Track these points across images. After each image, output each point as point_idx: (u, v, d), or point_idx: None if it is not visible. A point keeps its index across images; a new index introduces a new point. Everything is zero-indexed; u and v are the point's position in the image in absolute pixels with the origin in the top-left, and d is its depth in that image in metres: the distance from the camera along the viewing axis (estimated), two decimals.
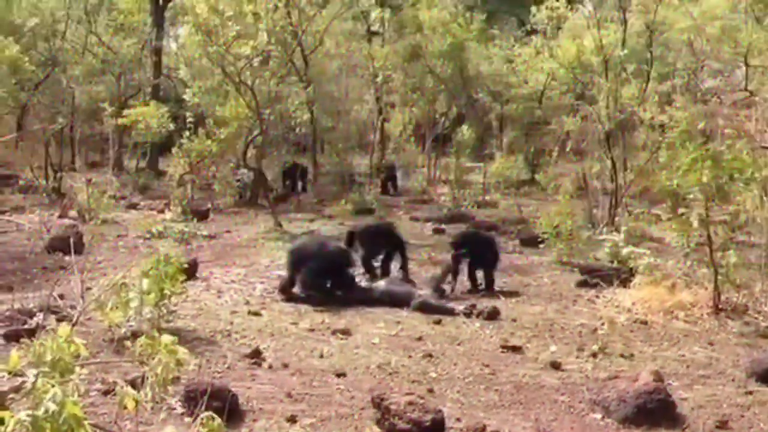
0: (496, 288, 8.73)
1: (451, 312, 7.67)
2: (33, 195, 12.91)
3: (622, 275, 8.63)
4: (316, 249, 8.23)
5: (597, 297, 8.41)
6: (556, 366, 6.17)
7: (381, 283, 8.34)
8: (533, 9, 17.84)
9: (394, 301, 7.87)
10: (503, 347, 6.61)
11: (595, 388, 5.52)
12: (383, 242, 9.25)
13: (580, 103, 14.72)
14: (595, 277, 8.82)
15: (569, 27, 17.05)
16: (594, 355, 6.48)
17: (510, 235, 11.80)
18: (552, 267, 9.91)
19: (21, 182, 13.76)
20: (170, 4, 18.53)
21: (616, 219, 11.97)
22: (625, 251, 9.31)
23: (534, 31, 18.05)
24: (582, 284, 8.88)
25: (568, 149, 15.43)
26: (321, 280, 8.00)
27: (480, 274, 8.80)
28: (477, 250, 8.73)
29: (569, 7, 17.17)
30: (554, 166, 15.77)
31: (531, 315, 7.74)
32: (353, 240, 9.10)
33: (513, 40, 18.62)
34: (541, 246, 10.33)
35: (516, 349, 6.58)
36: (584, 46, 14.50)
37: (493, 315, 7.51)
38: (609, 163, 12.50)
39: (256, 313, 7.31)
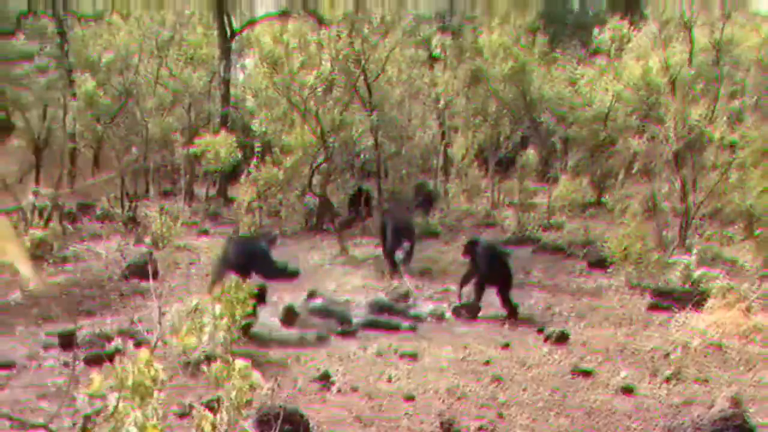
0: (562, 312, 8.62)
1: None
2: (110, 223, 13.32)
3: (694, 298, 8.44)
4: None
5: (669, 320, 8.24)
6: (628, 391, 6.07)
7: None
8: (595, 31, 17.72)
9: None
10: (573, 372, 6.54)
11: (670, 414, 5.42)
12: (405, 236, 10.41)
13: (646, 123, 14.49)
14: (666, 300, 8.65)
15: (633, 47, 16.85)
16: (667, 380, 6.36)
17: (577, 257, 11.66)
18: (621, 290, 9.74)
19: (98, 211, 14.22)
20: (237, 37, 19.01)
21: (687, 241, 11.71)
22: (697, 274, 9.11)
23: (597, 52, 17.89)
24: (653, 307, 8.72)
25: (635, 170, 15.16)
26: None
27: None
28: (486, 262, 8.66)
29: (633, 27, 17.00)
30: (621, 188, 15.51)
31: (601, 339, 7.63)
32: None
33: (576, 62, 18.47)
34: (609, 270, 10.17)
35: (586, 374, 6.50)
36: (649, 66, 14.30)
37: (561, 339, 7.44)
38: (678, 183, 12.26)
39: (325, 337, 7.40)
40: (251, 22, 19.23)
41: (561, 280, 10.39)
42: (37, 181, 14.17)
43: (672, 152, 12.28)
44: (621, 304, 9.10)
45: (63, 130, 14.54)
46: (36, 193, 9.51)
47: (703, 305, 8.23)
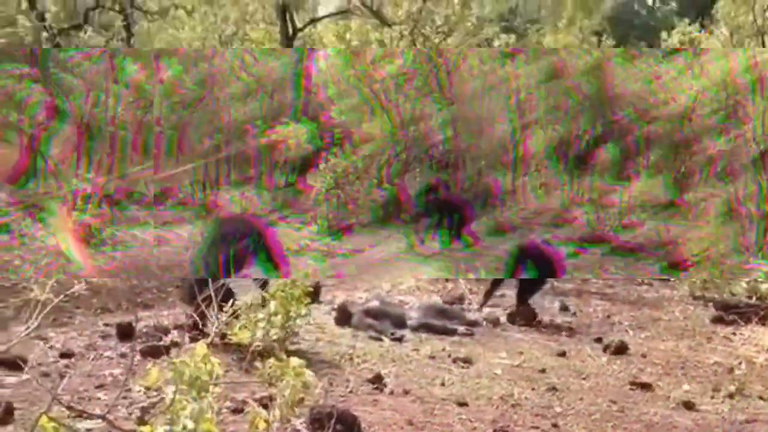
0: (622, 322, 8.42)
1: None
2: (183, 211, 13.36)
3: (761, 312, 8.16)
4: None
5: (733, 334, 7.98)
6: (689, 406, 5.88)
7: None
8: (664, 34, 17.34)
9: None
10: (632, 384, 6.36)
11: (732, 431, 5.22)
12: None
13: (730, 122, 14.07)
14: (731, 314, 8.38)
15: (706, 50, 16.41)
16: (731, 396, 6.14)
17: (654, 258, 11.29)
18: (684, 301, 9.48)
19: (180, 196, 14.28)
20: (300, 34, 19.16)
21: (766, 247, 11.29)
22: (765, 287, 8.80)
23: (671, 54, 17.49)
24: (717, 320, 8.45)
25: (715, 170, 14.71)
26: None
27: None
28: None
29: (704, 31, 16.59)
30: (702, 188, 15.07)
31: (662, 351, 7.42)
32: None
33: (659, 57, 18.07)
34: (681, 276, 9.82)
35: (646, 387, 6.31)
36: (733, 64, 13.88)
37: (621, 349, 7.25)
38: (764, 185, 11.85)
39: (378, 338, 7.35)
40: (313, 21, 19.35)
41: (621, 288, 10.17)
42: (92, 168, 14.35)
43: (757, 153, 11.91)
44: (683, 316, 8.87)
45: (152, 115, 14.77)
46: (90, 178, 9.61)
47: None
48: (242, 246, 7.00)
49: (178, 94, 14.19)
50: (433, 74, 13.39)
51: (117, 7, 16.50)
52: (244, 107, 16.84)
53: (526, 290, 8.52)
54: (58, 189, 11.70)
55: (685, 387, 6.37)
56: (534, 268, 8.30)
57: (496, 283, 8.79)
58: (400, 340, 7.42)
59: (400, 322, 7.96)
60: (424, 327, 7.86)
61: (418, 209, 13.78)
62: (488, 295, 8.75)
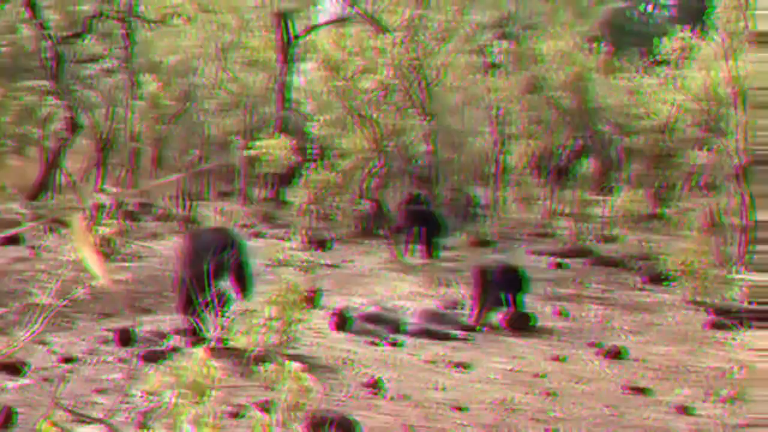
0: (618, 327, 8.46)
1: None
2: (168, 223, 13.55)
3: (756, 316, 8.19)
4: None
5: (729, 339, 8.02)
6: (685, 411, 5.91)
7: None
8: (658, 40, 17.36)
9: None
10: (629, 388, 6.39)
11: None
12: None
13: (710, 135, 14.16)
14: (726, 318, 8.42)
15: (698, 58, 16.48)
16: (727, 400, 6.17)
17: (634, 271, 11.45)
18: (680, 306, 9.52)
19: (157, 210, 14.53)
20: (297, 42, 19.22)
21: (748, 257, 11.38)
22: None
23: (660, 62, 17.54)
24: (712, 325, 8.48)
25: (696, 183, 14.83)
26: None
27: None
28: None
29: (700, 36, 16.62)
30: (681, 201, 15.19)
31: (658, 355, 7.46)
32: None
33: (639, 71, 18.18)
34: (667, 285, 9.93)
35: (642, 391, 6.35)
36: (715, 77, 13.96)
37: (617, 354, 7.29)
38: (741, 198, 11.93)
39: (376, 343, 7.38)
40: (312, 28, 19.40)
41: (617, 294, 10.22)
42: (101, 180, 14.57)
43: (737, 166, 11.98)
44: (679, 321, 8.90)
45: (126, 131, 14.90)
46: (103, 191, 9.73)
47: (766, 324, 7.97)
48: (219, 260, 6.86)
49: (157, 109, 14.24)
50: (413, 88, 13.43)
51: (117, 16, 16.55)
52: (224, 121, 16.95)
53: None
54: (77, 202, 11.80)
55: (682, 391, 6.40)
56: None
57: (486, 297, 8.72)
58: (397, 345, 7.46)
59: (397, 327, 8.01)
60: (421, 332, 7.89)
61: (398, 223, 13.92)
62: (480, 309, 8.64)
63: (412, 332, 7.89)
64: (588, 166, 15.79)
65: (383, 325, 8.07)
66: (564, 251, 12.87)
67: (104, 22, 16.90)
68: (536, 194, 17.94)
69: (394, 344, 7.44)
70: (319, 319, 7.98)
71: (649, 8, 31.30)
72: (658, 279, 10.34)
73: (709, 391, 6.37)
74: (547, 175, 17.66)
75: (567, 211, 16.24)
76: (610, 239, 14.02)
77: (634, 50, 20.19)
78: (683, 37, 16.54)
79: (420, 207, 12.92)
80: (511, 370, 6.81)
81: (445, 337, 7.79)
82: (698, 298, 9.56)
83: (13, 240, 10.92)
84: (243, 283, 7.31)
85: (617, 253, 12.86)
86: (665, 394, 6.33)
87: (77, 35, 16.26)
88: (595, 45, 17.68)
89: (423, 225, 12.22)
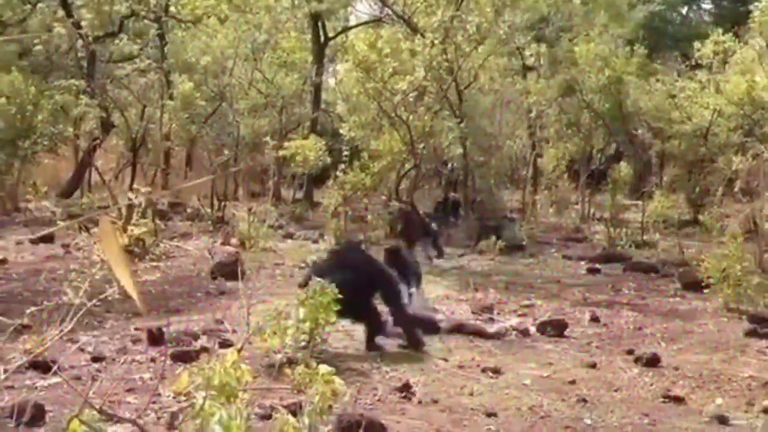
0: (654, 334, 8.29)
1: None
2: (199, 222, 13.63)
3: None
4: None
5: (767, 347, 7.82)
6: (722, 420, 5.77)
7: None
8: (697, 43, 17.11)
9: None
10: (664, 397, 6.25)
11: None
12: None
13: (749, 140, 13.91)
14: (765, 326, 8.22)
15: (737, 61, 16.21)
16: (765, 410, 6.01)
17: (671, 278, 11.26)
18: (717, 314, 9.32)
19: (188, 210, 14.62)
20: (331, 42, 19.24)
21: None
22: None
23: (699, 66, 17.28)
24: (751, 333, 8.28)
25: (735, 189, 14.55)
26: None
27: None
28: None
29: (738, 40, 16.35)
30: (720, 207, 14.92)
31: (694, 364, 7.28)
32: None
33: (676, 74, 17.94)
34: (705, 291, 9.75)
35: (678, 400, 6.20)
36: (755, 81, 13.71)
37: (652, 362, 7.14)
38: None
39: (405, 346, 7.32)
40: (345, 29, 19.42)
41: (652, 300, 10.05)
42: (133, 179, 14.70)
43: None
44: (717, 329, 8.69)
45: (159, 130, 15.01)
46: (135, 191, 9.79)
47: None
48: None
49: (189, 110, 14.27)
50: (445, 91, 13.33)
51: (151, 16, 16.70)
52: (256, 122, 16.97)
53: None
54: (109, 201, 11.93)
55: (719, 401, 6.23)
56: None
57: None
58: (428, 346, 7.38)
59: (430, 330, 7.91)
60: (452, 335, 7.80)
61: (429, 225, 13.89)
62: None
63: (443, 335, 7.79)
64: (624, 170, 15.58)
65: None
66: (599, 257, 12.72)
67: (138, 22, 17.09)
68: (571, 198, 17.77)
69: (424, 348, 7.34)
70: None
71: (689, 10, 30.90)
72: (694, 286, 10.15)
73: (746, 401, 6.21)
74: (582, 179, 17.48)
75: (602, 215, 16.06)
76: (645, 245, 13.82)
77: (672, 53, 19.95)
78: (722, 41, 16.31)
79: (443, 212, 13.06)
80: (547, 377, 6.69)
81: (476, 342, 7.69)
82: (736, 306, 9.37)
83: (46, 238, 11.06)
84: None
85: (653, 259, 12.67)
86: (702, 403, 6.17)
87: (111, 35, 16.46)
88: (632, 48, 17.47)
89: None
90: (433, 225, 13.64)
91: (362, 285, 7.01)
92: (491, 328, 8.19)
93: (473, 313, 8.81)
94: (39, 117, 14.05)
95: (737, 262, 9.43)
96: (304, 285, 6.64)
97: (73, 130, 15.72)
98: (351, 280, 6.69)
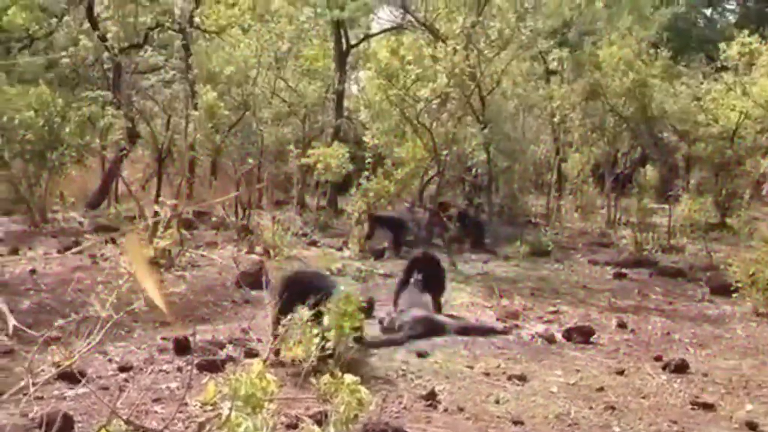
0: (682, 339, 8.20)
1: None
2: (224, 231, 13.70)
3: None
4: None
5: None
6: (753, 427, 5.69)
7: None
8: (722, 45, 16.94)
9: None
10: (693, 403, 6.18)
11: None
12: None
13: None
14: None
15: (764, 63, 16.04)
16: None
17: (698, 282, 11.14)
18: (746, 318, 9.20)
19: (213, 219, 14.70)
20: (353, 50, 19.29)
21: None
22: None
23: (724, 68, 17.11)
24: None
25: (764, 192, 14.37)
26: None
27: None
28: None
29: (763, 42, 16.17)
30: (747, 210, 14.73)
31: (724, 370, 7.20)
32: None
33: (702, 77, 17.77)
34: (734, 295, 9.62)
35: (708, 407, 6.13)
36: None
37: (681, 368, 7.06)
38: None
39: (422, 355, 7.28)
40: (368, 37, 19.45)
41: (681, 305, 9.94)
42: (159, 190, 14.81)
43: None
44: (746, 333, 8.59)
45: (184, 140, 15.11)
46: (161, 203, 9.86)
47: None
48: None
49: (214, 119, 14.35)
50: (468, 97, 13.28)
51: (176, 27, 16.86)
52: (280, 130, 17.03)
53: None
54: (136, 212, 12.05)
55: (749, 407, 6.16)
56: None
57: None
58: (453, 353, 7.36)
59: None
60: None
61: (454, 232, 13.86)
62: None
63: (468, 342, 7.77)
64: (650, 174, 15.43)
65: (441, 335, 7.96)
66: (625, 261, 12.61)
67: (163, 33, 17.25)
68: (596, 203, 17.64)
69: (449, 355, 7.32)
70: (374, 330, 7.94)
71: (714, 12, 30.62)
72: (723, 290, 10.03)
73: None
74: (607, 183, 17.36)
75: (628, 220, 15.93)
76: (673, 249, 13.68)
77: (697, 55, 19.77)
78: (748, 42, 16.14)
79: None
80: (574, 384, 6.63)
81: (502, 348, 7.66)
82: (765, 310, 9.25)
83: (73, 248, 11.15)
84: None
85: (681, 263, 12.55)
86: (731, 409, 6.10)
87: (136, 46, 16.64)
88: (656, 50, 17.34)
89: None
90: (410, 225, 13.89)
91: None
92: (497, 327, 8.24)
93: (498, 320, 8.77)
94: (66, 129, 14.20)
95: (766, 266, 9.31)
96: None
97: (99, 141, 15.88)
98: None
